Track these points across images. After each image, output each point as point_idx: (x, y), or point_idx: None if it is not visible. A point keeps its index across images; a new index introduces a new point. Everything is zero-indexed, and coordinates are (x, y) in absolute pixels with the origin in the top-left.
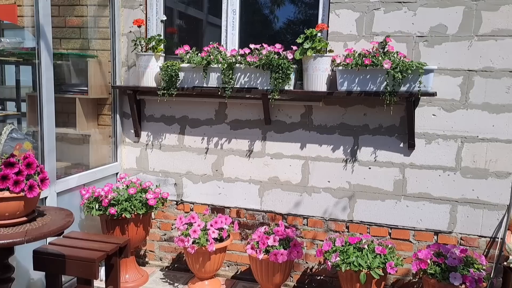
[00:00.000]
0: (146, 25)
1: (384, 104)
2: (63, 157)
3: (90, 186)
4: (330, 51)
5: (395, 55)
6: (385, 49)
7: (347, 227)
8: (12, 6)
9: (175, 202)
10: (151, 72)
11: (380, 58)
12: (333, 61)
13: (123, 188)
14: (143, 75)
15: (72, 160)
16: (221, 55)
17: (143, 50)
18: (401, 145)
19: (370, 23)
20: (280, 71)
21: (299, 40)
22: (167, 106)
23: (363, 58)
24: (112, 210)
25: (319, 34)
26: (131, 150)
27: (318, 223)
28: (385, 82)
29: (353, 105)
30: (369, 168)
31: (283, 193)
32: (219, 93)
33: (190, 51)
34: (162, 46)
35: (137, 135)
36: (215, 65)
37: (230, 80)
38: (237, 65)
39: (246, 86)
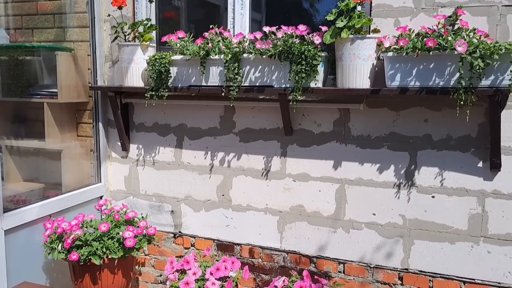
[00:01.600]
0: (134, 7)
1: (455, 105)
2: (31, 179)
3: (62, 216)
4: (375, 31)
5: (472, 34)
6: (456, 26)
7: (401, 278)
8: None
9: (173, 235)
10: (136, 67)
11: (449, 38)
12: (379, 45)
13: (99, 221)
14: (126, 72)
15: (42, 181)
16: (224, 42)
17: (127, 39)
18: (480, 164)
19: None
20: (304, 62)
21: (330, 17)
22: (160, 112)
23: (424, 39)
24: (74, 255)
25: (358, 7)
26: (118, 168)
27: (359, 271)
28: (458, 74)
29: (408, 108)
30: (432, 196)
31: (311, 228)
32: (223, 93)
33: (184, 38)
34: (153, 34)
35: (125, 148)
36: (216, 56)
37: (236, 76)
38: (245, 55)
39: (257, 84)
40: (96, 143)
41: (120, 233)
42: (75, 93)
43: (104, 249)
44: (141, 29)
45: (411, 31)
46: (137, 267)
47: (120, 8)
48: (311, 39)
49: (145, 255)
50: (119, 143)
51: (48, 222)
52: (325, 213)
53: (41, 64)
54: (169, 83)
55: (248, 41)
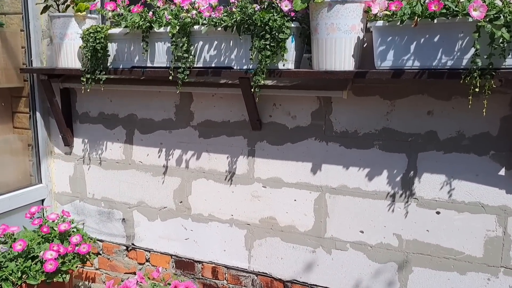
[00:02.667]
0: None
1: (468, 93)
2: None
3: None
4: None
5: None
6: None
7: None
8: None
9: (125, 248)
10: (71, 44)
11: None
12: (367, 11)
13: (22, 235)
14: (59, 50)
15: None
16: (170, 11)
17: (60, 10)
18: (502, 172)
19: None
20: (268, 35)
21: None
22: (106, 100)
23: (426, 2)
24: None
25: None
26: (62, 166)
27: None
28: (473, 50)
29: (407, 96)
30: (437, 212)
31: (285, 246)
32: (170, 77)
33: (120, 5)
34: (98, 4)
35: (67, 143)
36: (161, 29)
37: (186, 55)
38: (196, 27)
39: (213, 65)
40: (34, 136)
41: (41, 253)
42: (3, 77)
43: (20, 273)
44: None
45: None
46: (86, 282)
47: None
48: (278, 5)
49: (96, 269)
50: (61, 137)
51: None
52: (302, 228)
53: None
54: (108, 64)
55: (202, 9)
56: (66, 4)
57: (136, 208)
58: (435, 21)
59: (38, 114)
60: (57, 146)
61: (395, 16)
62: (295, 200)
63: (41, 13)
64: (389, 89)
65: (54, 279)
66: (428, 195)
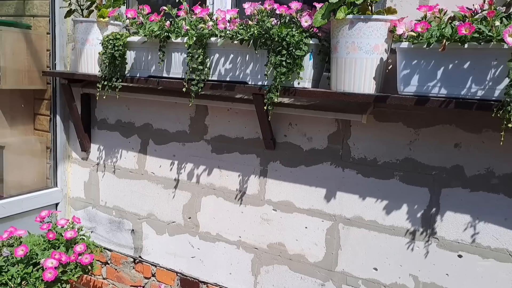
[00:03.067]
0: None
1: (501, 127)
2: None
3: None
4: (390, 10)
5: None
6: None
7: None
8: None
9: (132, 260)
10: (91, 50)
11: (497, 22)
12: (392, 31)
13: (26, 240)
14: (80, 55)
15: None
16: (189, 21)
17: (83, 14)
18: None
19: None
20: (284, 51)
21: None
22: (124, 107)
23: (456, 24)
24: None
25: None
26: (78, 171)
27: None
28: (507, 80)
29: (433, 125)
30: (459, 256)
31: (292, 276)
32: (184, 89)
33: (140, 13)
34: (122, 10)
35: (84, 148)
36: (178, 39)
37: (201, 67)
38: (213, 39)
39: (227, 79)
40: (53, 139)
41: (42, 260)
42: (26, 78)
43: (19, 280)
44: (103, 1)
45: (442, 12)
46: None
47: None
48: (298, 19)
49: (103, 278)
50: (79, 142)
51: None
52: (312, 258)
53: None
54: (125, 72)
55: (215, 22)
56: (89, 9)
57: (145, 220)
58: (466, 46)
59: (58, 118)
60: (75, 150)
61: (421, 38)
62: (306, 228)
63: (65, 17)
64: (414, 116)
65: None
66: (450, 235)
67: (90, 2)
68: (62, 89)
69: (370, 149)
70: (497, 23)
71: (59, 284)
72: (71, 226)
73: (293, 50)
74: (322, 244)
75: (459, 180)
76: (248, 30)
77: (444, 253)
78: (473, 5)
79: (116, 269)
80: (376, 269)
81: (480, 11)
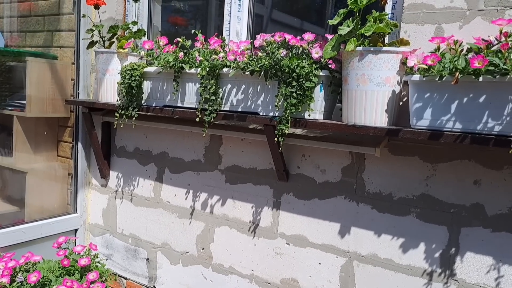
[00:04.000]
0: (125, 9)
1: None
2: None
3: (14, 251)
4: (402, 42)
5: None
6: None
7: None
8: None
9: None
10: (111, 79)
11: None
12: (404, 63)
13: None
14: (101, 84)
15: (12, 204)
16: (202, 52)
17: (104, 46)
18: None
19: None
20: (295, 82)
21: (335, 20)
22: (141, 135)
23: (469, 57)
24: None
25: (387, 9)
26: (97, 198)
27: None
28: None
29: (450, 160)
30: None
31: None
32: (197, 118)
33: (160, 45)
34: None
35: (103, 175)
36: (192, 70)
37: (213, 97)
38: (225, 70)
39: (239, 109)
40: (74, 166)
41: (54, 287)
42: (50, 106)
43: None
44: (126, 33)
45: (457, 43)
46: None
47: (96, 7)
48: (309, 51)
49: None
50: (98, 169)
51: None
52: None
53: (24, 71)
54: (142, 101)
55: (229, 51)
56: (111, 40)
57: (160, 249)
58: (480, 79)
59: (80, 145)
60: (94, 177)
61: (432, 70)
62: (319, 264)
63: (87, 48)
64: (431, 150)
65: None
66: (471, 278)
67: (111, 34)
68: (83, 117)
69: (385, 184)
70: None
71: None
72: (87, 253)
73: (303, 82)
74: (336, 282)
75: (480, 219)
76: (259, 61)
77: None
78: (489, 36)
79: None
80: None
81: (496, 42)
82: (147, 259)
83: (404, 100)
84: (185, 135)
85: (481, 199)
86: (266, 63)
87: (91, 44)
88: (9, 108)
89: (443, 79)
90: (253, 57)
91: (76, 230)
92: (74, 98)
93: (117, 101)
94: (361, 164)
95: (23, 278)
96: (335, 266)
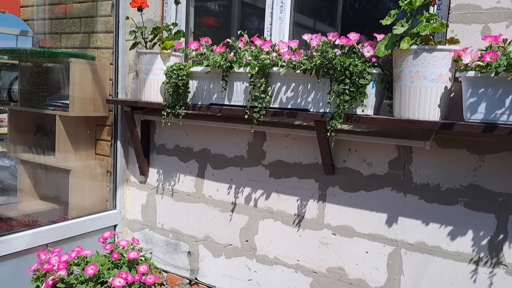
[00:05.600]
0: (163, 11)
1: None
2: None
3: (61, 246)
4: (453, 41)
5: None
6: None
7: None
8: None
9: (188, 282)
10: (155, 79)
11: None
12: (456, 60)
13: (102, 257)
14: (144, 84)
15: (53, 201)
16: (251, 52)
17: (148, 47)
18: None
19: None
20: (347, 80)
21: (386, 21)
22: (182, 133)
23: None
24: None
25: (430, 9)
26: (136, 194)
27: None
28: None
29: (498, 152)
30: None
31: None
32: (246, 116)
33: (204, 45)
34: (181, 41)
35: (143, 172)
36: (241, 69)
37: (263, 95)
38: (275, 69)
39: (289, 107)
40: (113, 164)
41: (110, 279)
42: (91, 106)
43: None
44: (165, 34)
45: (507, 42)
46: None
47: (140, 10)
48: (360, 50)
49: None
50: (138, 166)
51: (43, 253)
52: (373, 283)
53: (62, 72)
54: (188, 100)
55: (281, 51)
56: (153, 41)
57: (202, 242)
58: None
59: (119, 143)
60: (133, 174)
61: (489, 67)
62: (366, 252)
63: (130, 49)
64: (478, 143)
65: None
66: None
67: (153, 35)
68: (124, 116)
69: (432, 175)
70: None
71: None
72: (131, 247)
73: (356, 79)
74: (384, 269)
75: None
76: (311, 60)
77: None
78: None
79: None
80: None
81: None
82: (189, 252)
83: (452, 95)
84: (227, 132)
85: None
86: (318, 62)
87: (134, 45)
88: (51, 108)
89: (499, 76)
90: (307, 56)
91: (115, 226)
92: (112, 97)
93: (163, 100)
94: (408, 157)
95: (79, 271)
96: (382, 254)
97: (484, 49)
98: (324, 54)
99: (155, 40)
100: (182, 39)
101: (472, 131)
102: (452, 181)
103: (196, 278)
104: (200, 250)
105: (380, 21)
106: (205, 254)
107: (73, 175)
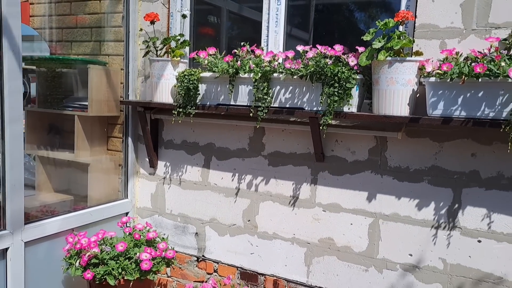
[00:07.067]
0: (168, 23)
1: (507, 139)
2: (59, 190)
3: (86, 230)
4: (417, 53)
5: None
6: None
7: None
8: (24, 4)
9: (196, 259)
10: (166, 83)
11: (503, 63)
12: (421, 69)
13: (121, 238)
14: (156, 88)
15: (69, 193)
16: (254, 60)
17: (158, 55)
18: None
19: (485, 9)
20: (337, 84)
21: (367, 37)
22: (189, 130)
23: (472, 64)
24: (89, 274)
25: (400, 28)
26: (145, 184)
27: None
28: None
29: (453, 140)
30: (479, 241)
31: (340, 264)
32: (251, 114)
33: (212, 54)
34: (186, 50)
35: (153, 165)
36: (246, 75)
37: (265, 97)
38: (275, 74)
39: (287, 106)
40: (124, 158)
41: (138, 254)
42: (106, 107)
43: (120, 270)
44: (173, 44)
45: (459, 54)
46: (159, 287)
47: (152, 23)
48: (346, 60)
49: (168, 276)
50: (147, 159)
51: (70, 236)
52: (357, 249)
53: (76, 76)
54: (197, 101)
55: (279, 60)
56: (163, 50)
57: (208, 224)
58: (480, 80)
59: (130, 139)
60: (142, 167)
61: (446, 74)
62: (351, 224)
63: (143, 57)
64: (438, 133)
65: (148, 277)
66: (470, 225)
67: (163, 45)
68: (137, 115)
69: (403, 160)
70: (503, 63)
71: (151, 273)
72: (147, 229)
73: (344, 83)
74: (365, 237)
75: (476, 181)
76: (307, 68)
77: (466, 240)
78: (483, 50)
79: (180, 268)
80: (411, 255)
81: (488, 53)
82: (196, 233)
83: (417, 96)
84: (230, 128)
85: (476, 167)
86: (312, 69)
87: (146, 53)
88: (69, 109)
89: (453, 80)
90: (304, 65)
91: (127, 213)
92: (123, 99)
93: (175, 101)
94: (384, 146)
95: (110, 248)
96: (364, 225)
97: (442, 60)
98: (318, 63)
99: (165, 49)
100: (187, 48)
101: (433, 123)
102: (418, 164)
103: (203, 255)
104: (207, 231)
105: (362, 37)
106: (211, 234)
107: (92, 169)
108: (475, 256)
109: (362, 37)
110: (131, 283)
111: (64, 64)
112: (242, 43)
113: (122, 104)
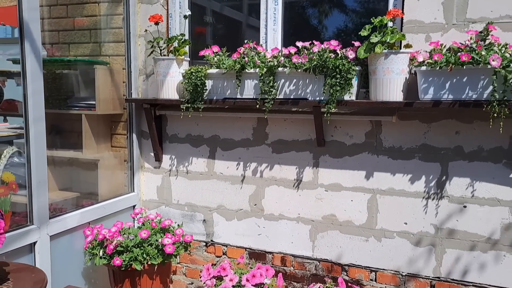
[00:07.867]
0: (168, 23)
1: (487, 118)
2: (67, 188)
3: (99, 224)
4: (407, 46)
5: (504, 49)
6: (487, 41)
7: (433, 287)
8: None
9: (205, 244)
10: (172, 80)
11: (483, 52)
12: (411, 59)
13: (136, 228)
14: (162, 85)
15: (78, 190)
16: (259, 56)
17: (162, 53)
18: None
19: (463, 7)
20: (338, 75)
21: (363, 33)
22: (193, 124)
23: (458, 54)
24: (117, 261)
25: (390, 23)
26: (151, 178)
27: (391, 279)
28: (491, 87)
29: (439, 120)
30: (464, 206)
31: (343, 237)
32: (257, 106)
33: (220, 52)
34: (186, 48)
35: (158, 159)
36: (251, 70)
37: (271, 89)
38: (280, 69)
39: (292, 97)
40: (129, 153)
41: (159, 240)
42: (111, 105)
43: (144, 255)
44: (176, 43)
45: (443, 46)
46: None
47: (157, 24)
48: (345, 53)
49: (177, 263)
50: (153, 154)
51: (88, 229)
52: (357, 222)
53: (77, 77)
54: (204, 96)
55: (282, 56)
56: (167, 49)
57: (216, 210)
58: (464, 67)
59: (134, 136)
60: (147, 161)
61: (436, 63)
62: (351, 200)
63: (148, 56)
64: (426, 115)
65: (170, 260)
66: (457, 193)
67: (166, 44)
68: (141, 112)
69: (396, 140)
70: (483, 52)
71: (172, 257)
72: (158, 219)
73: (345, 74)
74: (365, 211)
75: (460, 155)
76: (311, 62)
77: (453, 206)
78: (464, 41)
79: (189, 254)
80: (406, 223)
81: (470, 44)
82: (204, 220)
83: (409, 83)
84: (234, 121)
85: (460, 142)
86: (315, 63)
87: (151, 53)
88: (76, 108)
89: (441, 68)
90: (309, 59)
91: (134, 206)
92: (126, 97)
93: (181, 97)
94: (379, 129)
95: (134, 236)
96: (363, 200)
97: (429, 51)
98: (321, 57)
99: (169, 48)
100: (187, 47)
101: (425, 106)
102: (410, 143)
103: (212, 240)
104: (214, 217)
105: (360, 32)
106: (219, 220)
107: (101, 165)
108: (462, 220)
109: (360, 33)
110: (155, 267)
111: (68, 66)
112: (245, 41)
113: (127, 102)
